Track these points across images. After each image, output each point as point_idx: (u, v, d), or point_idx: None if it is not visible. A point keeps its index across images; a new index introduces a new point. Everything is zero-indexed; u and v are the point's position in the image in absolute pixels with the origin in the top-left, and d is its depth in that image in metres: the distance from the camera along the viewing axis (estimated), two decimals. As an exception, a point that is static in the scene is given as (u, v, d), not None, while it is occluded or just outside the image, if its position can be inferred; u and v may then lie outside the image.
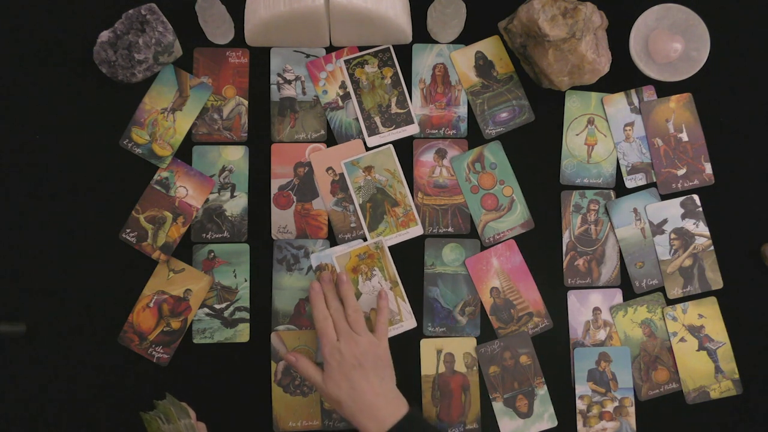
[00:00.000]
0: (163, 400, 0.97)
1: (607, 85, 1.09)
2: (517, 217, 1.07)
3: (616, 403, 1.03)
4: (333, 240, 1.06)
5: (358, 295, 1.03)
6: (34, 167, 1.06)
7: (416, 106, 1.09)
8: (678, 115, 1.10)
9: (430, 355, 1.04)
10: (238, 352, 1.04)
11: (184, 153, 1.07)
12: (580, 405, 1.04)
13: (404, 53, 1.10)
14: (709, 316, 1.05)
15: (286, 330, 1.04)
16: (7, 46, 1.08)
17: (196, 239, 1.05)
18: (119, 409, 1.02)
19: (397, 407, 0.93)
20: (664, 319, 1.05)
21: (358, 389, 0.93)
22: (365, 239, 1.06)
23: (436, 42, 1.11)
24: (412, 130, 1.08)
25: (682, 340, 1.05)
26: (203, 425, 0.96)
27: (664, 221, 1.07)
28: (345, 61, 1.09)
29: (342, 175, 1.07)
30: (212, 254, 1.05)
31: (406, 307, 1.05)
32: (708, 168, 1.09)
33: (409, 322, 1.05)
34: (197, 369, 1.03)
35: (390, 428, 0.91)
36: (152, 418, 0.95)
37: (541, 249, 1.07)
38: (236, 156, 1.07)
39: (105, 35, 1.04)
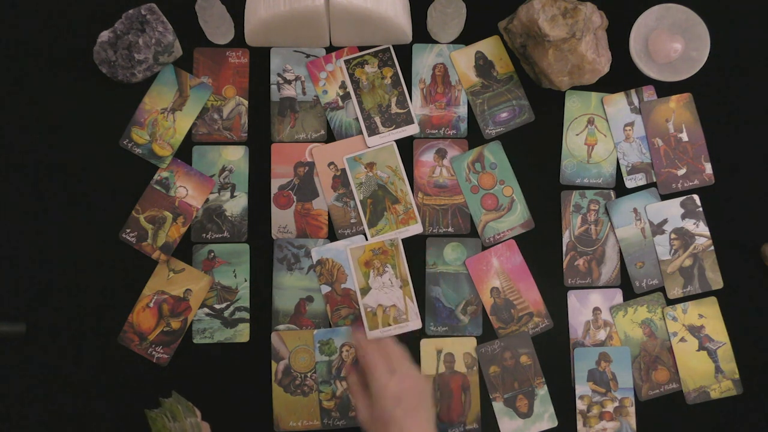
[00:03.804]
0: (169, 398, 0.97)
1: (607, 85, 1.09)
2: (517, 217, 1.07)
3: (616, 403, 1.03)
4: (333, 238, 1.06)
5: (367, 289, 1.03)
6: (34, 167, 1.06)
7: (416, 106, 1.09)
8: (678, 115, 1.10)
9: (430, 355, 1.04)
10: (238, 352, 1.03)
11: (184, 153, 1.07)
12: (580, 405, 1.04)
13: (404, 53, 1.10)
14: (709, 316, 1.05)
15: (287, 330, 1.04)
16: (7, 45, 1.08)
17: (196, 239, 1.05)
18: (119, 409, 1.02)
19: None
20: (664, 319, 1.05)
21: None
22: (365, 235, 1.06)
23: (436, 42, 1.11)
24: (412, 130, 1.08)
25: (682, 340, 1.05)
26: (207, 425, 0.96)
27: (664, 221, 1.07)
28: (345, 61, 1.09)
29: (343, 170, 1.07)
30: (212, 254, 1.05)
31: (413, 308, 1.04)
32: (708, 168, 1.09)
33: (414, 323, 1.04)
34: (197, 369, 1.03)
35: None
36: (158, 416, 0.96)
37: (541, 249, 1.07)
38: (236, 156, 1.07)
39: (105, 35, 1.04)
